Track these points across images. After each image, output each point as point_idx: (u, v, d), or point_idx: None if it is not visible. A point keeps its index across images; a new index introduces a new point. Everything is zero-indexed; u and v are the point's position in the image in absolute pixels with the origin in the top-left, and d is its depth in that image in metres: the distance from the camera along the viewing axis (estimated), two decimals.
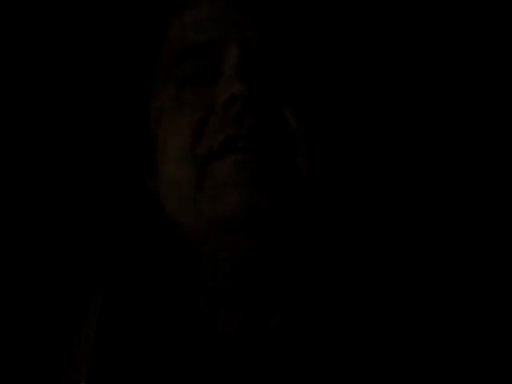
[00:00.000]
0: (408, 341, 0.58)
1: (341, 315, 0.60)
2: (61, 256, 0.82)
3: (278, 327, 0.60)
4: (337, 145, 0.66)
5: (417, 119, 0.79)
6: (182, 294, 0.64)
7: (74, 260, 0.82)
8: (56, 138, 0.83)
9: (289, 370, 0.58)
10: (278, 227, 0.58)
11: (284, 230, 0.58)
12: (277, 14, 0.60)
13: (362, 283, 0.62)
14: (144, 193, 0.68)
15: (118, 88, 0.78)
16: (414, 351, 0.58)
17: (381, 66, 0.78)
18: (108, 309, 0.66)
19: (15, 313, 0.82)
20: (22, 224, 0.82)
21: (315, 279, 0.62)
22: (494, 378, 0.58)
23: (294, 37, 0.61)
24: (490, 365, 0.58)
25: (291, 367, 0.58)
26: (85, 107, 0.82)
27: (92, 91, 0.82)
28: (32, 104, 0.83)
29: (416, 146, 0.79)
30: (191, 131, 0.58)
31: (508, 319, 0.60)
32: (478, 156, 0.78)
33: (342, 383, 0.57)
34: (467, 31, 0.80)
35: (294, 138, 0.58)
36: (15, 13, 0.82)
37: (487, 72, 0.79)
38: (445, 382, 0.57)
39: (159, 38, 0.64)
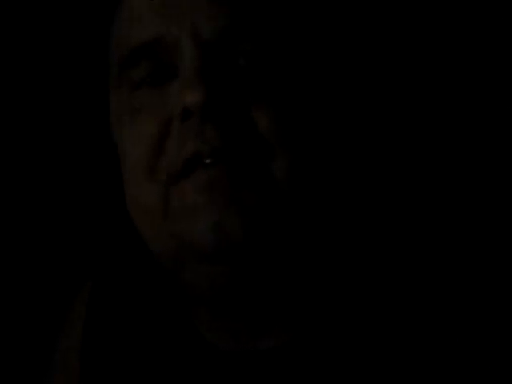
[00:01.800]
0: (420, 352, 0.55)
1: (348, 336, 0.56)
2: (48, 250, 0.82)
3: (278, 348, 0.55)
4: (321, 145, 0.57)
5: (408, 116, 0.77)
6: (171, 300, 0.61)
7: (63, 257, 0.81)
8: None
9: None
10: (255, 253, 0.51)
11: (263, 254, 0.52)
12: (238, 4, 0.52)
13: (359, 293, 0.57)
14: None
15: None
16: (427, 363, 0.55)
17: (367, 55, 0.75)
18: (95, 311, 0.63)
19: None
20: (11, 218, 0.81)
21: (307, 294, 0.57)
22: (495, 378, 0.56)
23: (260, 20, 0.52)
24: (493, 366, 0.57)
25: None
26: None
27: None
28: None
29: (408, 144, 0.77)
30: (149, 147, 0.52)
31: (508, 319, 0.60)
32: (478, 156, 0.77)
33: None
34: (467, 31, 0.79)
35: (266, 144, 0.50)
36: None
37: (487, 72, 0.79)
38: None
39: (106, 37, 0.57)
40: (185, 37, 0.51)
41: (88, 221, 0.82)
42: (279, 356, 0.55)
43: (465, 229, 0.69)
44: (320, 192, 0.56)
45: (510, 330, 0.58)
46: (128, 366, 0.59)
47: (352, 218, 0.62)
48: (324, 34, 0.60)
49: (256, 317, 0.55)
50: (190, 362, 0.57)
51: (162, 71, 0.52)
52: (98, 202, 0.81)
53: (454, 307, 0.58)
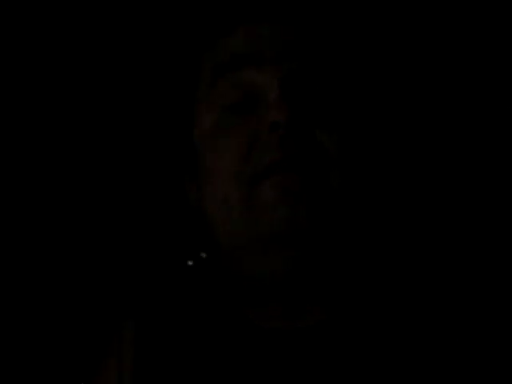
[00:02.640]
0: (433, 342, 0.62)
1: (377, 316, 0.64)
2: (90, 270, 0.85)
3: (315, 326, 0.64)
4: (368, 159, 0.70)
5: (435, 127, 0.81)
6: (218, 295, 0.69)
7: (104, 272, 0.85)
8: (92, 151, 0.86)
9: (323, 368, 0.62)
10: (315, 242, 0.62)
11: (321, 243, 0.63)
12: (311, 40, 0.65)
13: (397, 284, 0.66)
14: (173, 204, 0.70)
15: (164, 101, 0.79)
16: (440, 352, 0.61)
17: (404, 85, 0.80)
18: (143, 324, 0.69)
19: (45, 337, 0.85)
20: (53, 245, 0.86)
21: (353, 282, 0.66)
22: (497, 378, 0.60)
23: (327, 64, 0.65)
24: (490, 365, 0.60)
25: (326, 365, 0.62)
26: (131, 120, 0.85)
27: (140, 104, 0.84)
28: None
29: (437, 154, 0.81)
30: (238, 155, 0.63)
31: (508, 319, 0.62)
32: (484, 158, 0.79)
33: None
34: (469, 32, 0.81)
35: (328, 159, 0.62)
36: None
37: (489, 72, 0.80)
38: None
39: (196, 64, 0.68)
40: (272, 73, 0.64)
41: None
42: (314, 334, 0.63)
43: (471, 228, 0.71)
44: (361, 196, 0.68)
45: (509, 330, 0.61)
46: (180, 354, 0.67)
47: (375, 219, 0.73)
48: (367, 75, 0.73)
49: (303, 299, 0.64)
50: (235, 343, 0.65)
51: (245, 101, 0.65)
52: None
53: (458, 301, 0.64)
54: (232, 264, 0.65)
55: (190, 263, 0.81)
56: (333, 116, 0.64)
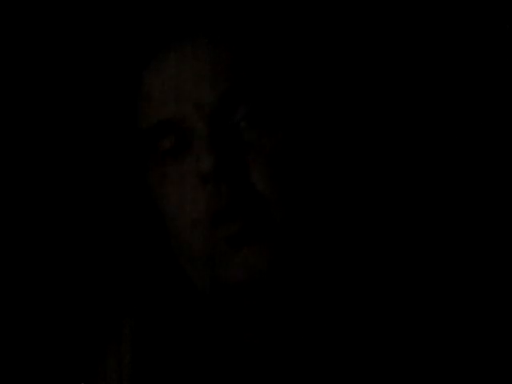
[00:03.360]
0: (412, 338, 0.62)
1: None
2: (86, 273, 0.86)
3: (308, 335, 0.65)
4: (309, 194, 0.67)
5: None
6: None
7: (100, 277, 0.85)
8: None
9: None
10: (278, 280, 0.63)
11: (284, 279, 0.64)
12: (230, 71, 0.61)
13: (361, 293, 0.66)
14: None
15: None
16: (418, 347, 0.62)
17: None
18: (140, 322, 0.71)
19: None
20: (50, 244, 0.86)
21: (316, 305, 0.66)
22: (494, 377, 0.60)
23: (254, 85, 0.62)
24: (490, 365, 0.60)
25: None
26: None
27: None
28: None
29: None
30: (181, 207, 0.62)
31: (508, 319, 0.62)
32: (478, 156, 0.79)
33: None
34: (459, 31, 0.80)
35: (264, 200, 0.61)
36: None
37: (487, 72, 0.80)
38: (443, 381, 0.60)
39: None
40: (192, 114, 0.61)
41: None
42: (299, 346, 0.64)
43: (464, 229, 0.71)
44: (314, 225, 0.66)
45: (509, 330, 0.61)
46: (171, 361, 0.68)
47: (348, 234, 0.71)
48: (313, 92, 0.68)
49: (283, 319, 0.65)
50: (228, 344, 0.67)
51: (180, 144, 0.62)
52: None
53: (452, 305, 0.63)
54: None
55: None
56: (268, 151, 0.61)
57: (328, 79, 0.70)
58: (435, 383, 0.60)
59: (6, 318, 0.85)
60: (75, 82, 0.82)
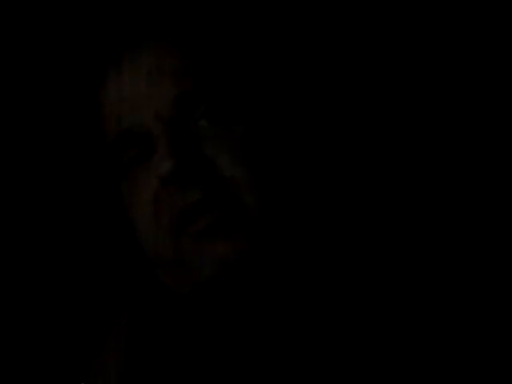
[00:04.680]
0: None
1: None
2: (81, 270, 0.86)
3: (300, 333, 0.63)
4: (288, 172, 0.67)
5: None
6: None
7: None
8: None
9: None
10: (255, 269, 0.62)
11: (262, 267, 0.63)
12: (186, 73, 0.62)
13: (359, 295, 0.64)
14: None
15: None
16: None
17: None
18: (135, 321, 0.71)
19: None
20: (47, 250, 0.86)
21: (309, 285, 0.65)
22: (493, 377, 0.59)
23: (208, 83, 0.62)
24: (489, 365, 0.60)
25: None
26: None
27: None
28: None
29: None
30: (149, 214, 0.62)
31: (508, 319, 0.61)
32: (478, 156, 0.78)
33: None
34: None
35: (234, 188, 0.61)
36: None
37: (487, 72, 0.79)
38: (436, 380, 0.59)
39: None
40: (151, 120, 0.61)
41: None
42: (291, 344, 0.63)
43: (464, 228, 0.71)
44: (291, 209, 0.66)
45: (509, 330, 0.60)
46: (167, 362, 0.68)
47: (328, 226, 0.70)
48: (270, 83, 0.69)
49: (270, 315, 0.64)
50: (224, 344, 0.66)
51: (143, 152, 0.62)
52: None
53: (452, 305, 0.63)
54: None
55: None
56: (231, 137, 0.62)
57: (281, 70, 0.70)
58: (435, 383, 0.59)
59: (6, 317, 0.85)
60: (37, 105, 0.82)
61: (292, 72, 0.72)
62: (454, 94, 0.80)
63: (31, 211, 0.85)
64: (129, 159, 0.63)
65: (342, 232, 0.69)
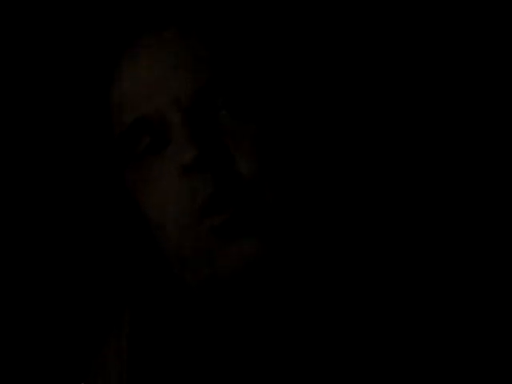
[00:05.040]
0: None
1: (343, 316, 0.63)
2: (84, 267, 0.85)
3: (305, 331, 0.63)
4: (295, 178, 0.65)
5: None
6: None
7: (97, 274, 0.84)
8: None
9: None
10: (275, 266, 0.61)
11: (282, 265, 0.62)
12: (206, 63, 0.60)
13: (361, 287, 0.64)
14: None
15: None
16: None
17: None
18: (137, 321, 0.70)
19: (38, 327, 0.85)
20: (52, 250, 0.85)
21: (326, 286, 0.65)
22: (493, 377, 0.60)
23: (230, 74, 0.61)
24: (489, 365, 0.60)
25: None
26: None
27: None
28: None
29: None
30: (165, 204, 0.60)
31: (508, 319, 0.61)
32: (478, 156, 0.78)
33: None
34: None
35: (253, 183, 0.59)
36: None
37: (486, 72, 0.80)
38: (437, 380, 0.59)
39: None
40: (169, 108, 0.59)
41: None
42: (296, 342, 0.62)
43: (463, 228, 0.71)
44: (304, 212, 0.64)
45: (509, 330, 0.61)
46: (169, 361, 0.67)
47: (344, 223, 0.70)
48: (286, 79, 0.67)
49: (280, 314, 0.64)
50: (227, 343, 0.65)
51: (158, 141, 0.61)
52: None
53: (452, 305, 0.63)
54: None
55: None
56: (250, 136, 0.60)
57: (302, 66, 0.70)
58: (435, 382, 0.59)
59: (6, 318, 0.85)
60: (47, 95, 0.81)
61: (310, 67, 0.72)
62: (454, 93, 0.80)
63: (32, 207, 0.85)
64: (143, 148, 0.61)
65: (357, 230, 0.69)
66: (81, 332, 0.83)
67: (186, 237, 0.60)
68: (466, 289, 0.64)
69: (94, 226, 0.82)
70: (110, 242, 0.80)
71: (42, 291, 0.86)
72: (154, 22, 0.62)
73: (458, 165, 0.78)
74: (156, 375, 0.66)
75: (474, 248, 0.69)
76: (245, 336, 0.64)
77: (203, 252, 0.59)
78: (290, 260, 0.62)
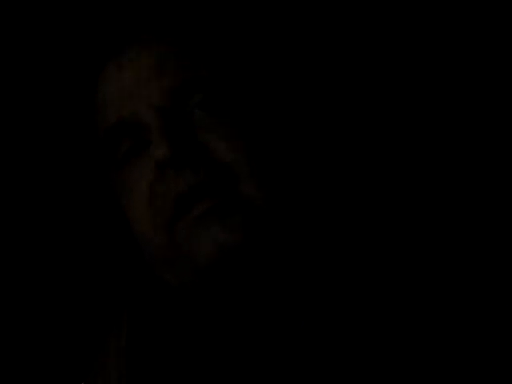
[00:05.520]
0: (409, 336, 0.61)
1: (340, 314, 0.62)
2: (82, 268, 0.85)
3: (299, 331, 0.63)
4: (286, 159, 0.67)
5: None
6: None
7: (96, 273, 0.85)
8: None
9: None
10: (253, 256, 0.61)
11: (260, 256, 0.62)
12: (182, 64, 0.62)
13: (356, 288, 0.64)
14: None
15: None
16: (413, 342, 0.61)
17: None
18: (136, 321, 0.70)
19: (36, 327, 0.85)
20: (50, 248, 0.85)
21: (312, 282, 0.65)
22: (493, 377, 0.59)
23: (202, 74, 0.62)
24: (489, 365, 0.60)
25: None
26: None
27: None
28: None
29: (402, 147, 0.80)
30: (145, 205, 0.62)
31: (508, 319, 0.62)
32: (478, 156, 0.78)
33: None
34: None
35: (232, 173, 0.60)
36: None
37: (486, 72, 0.80)
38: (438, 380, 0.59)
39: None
40: (144, 111, 0.62)
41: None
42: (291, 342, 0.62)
43: (464, 228, 0.71)
44: (290, 199, 0.65)
45: (509, 330, 0.61)
46: (168, 361, 0.67)
47: (326, 219, 0.70)
48: (262, 72, 0.69)
49: (268, 311, 0.63)
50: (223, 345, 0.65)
51: (139, 144, 0.63)
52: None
53: (451, 305, 0.62)
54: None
55: None
56: (225, 128, 0.62)
57: (277, 61, 0.71)
58: (435, 382, 0.59)
59: (6, 317, 0.86)
60: (34, 97, 0.81)
61: (287, 62, 0.73)
62: (455, 93, 0.80)
63: (26, 209, 0.85)
64: (124, 151, 0.63)
65: (340, 223, 0.69)
66: (81, 332, 0.83)
67: (161, 236, 0.61)
68: (466, 288, 0.64)
69: (94, 228, 0.82)
70: (108, 244, 0.81)
71: (40, 293, 0.86)
72: (136, 26, 0.64)
73: (459, 163, 0.78)
74: (155, 374, 0.66)
75: (475, 247, 0.69)
76: (235, 330, 0.64)
77: (175, 247, 0.61)
78: (268, 249, 0.62)
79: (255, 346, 0.63)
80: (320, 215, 0.69)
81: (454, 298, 0.63)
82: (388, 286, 0.63)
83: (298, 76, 0.74)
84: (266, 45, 0.70)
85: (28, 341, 0.85)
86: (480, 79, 0.80)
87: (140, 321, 0.70)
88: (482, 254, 0.68)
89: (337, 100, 0.78)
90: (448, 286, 0.64)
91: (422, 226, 0.72)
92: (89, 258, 0.85)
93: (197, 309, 0.67)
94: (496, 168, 0.78)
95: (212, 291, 0.63)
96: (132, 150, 0.63)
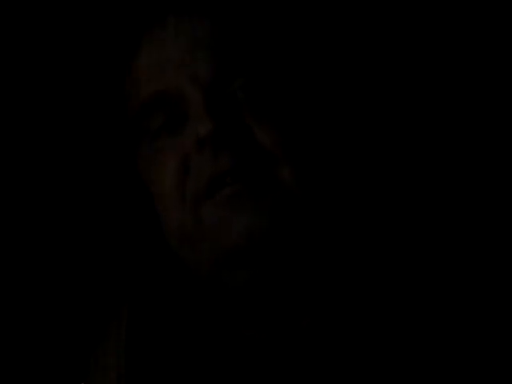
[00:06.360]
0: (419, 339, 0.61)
1: (363, 316, 0.62)
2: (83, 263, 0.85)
3: (306, 328, 0.62)
4: (325, 150, 0.66)
5: (405, 117, 0.81)
6: (205, 303, 0.68)
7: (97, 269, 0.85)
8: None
9: (310, 371, 0.61)
10: (281, 245, 0.60)
11: (287, 246, 0.61)
12: (226, 44, 0.61)
13: (383, 281, 0.64)
14: None
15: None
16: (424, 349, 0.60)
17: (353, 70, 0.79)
18: (136, 319, 0.70)
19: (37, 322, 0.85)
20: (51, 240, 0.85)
21: (318, 286, 0.64)
22: (494, 377, 0.59)
23: (248, 57, 0.61)
24: (490, 365, 0.60)
25: (313, 367, 0.61)
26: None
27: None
28: None
29: (413, 145, 0.80)
30: (176, 180, 0.60)
31: (508, 319, 0.61)
32: (478, 156, 0.79)
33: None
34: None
35: (270, 157, 0.60)
36: None
37: (486, 72, 0.80)
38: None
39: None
40: (187, 85, 0.60)
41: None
42: (299, 339, 0.62)
43: (464, 229, 0.71)
44: (324, 191, 0.65)
45: (509, 330, 0.61)
46: (168, 360, 0.67)
47: (354, 216, 0.70)
48: (306, 57, 0.68)
49: (280, 305, 0.63)
50: (222, 349, 0.65)
51: (174, 119, 0.61)
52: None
53: (452, 305, 0.62)
54: (208, 283, 0.64)
55: None
56: (269, 112, 0.61)
57: (319, 48, 0.70)
58: (434, 382, 0.59)
59: (5, 317, 0.85)
60: (68, 73, 0.82)
61: (327, 50, 0.72)
62: (455, 93, 0.80)
63: (33, 198, 0.85)
64: (158, 125, 0.62)
65: (366, 219, 0.69)
66: (80, 332, 0.83)
67: (188, 212, 0.60)
68: (469, 289, 0.63)
69: (94, 220, 0.82)
70: (109, 240, 0.81)
71: (40, 292, 0.86)
72: (177, 4, 0.62)
73: (471, 164, 0.78)
74: (155, 370, 0.66)
75: (483, 250, 0.69)
76: (244, 326, 0.64)
77: (202, 229, 0.60)
78: (295, 238, 0.61)
79: (267, 342, 0.63)
80: (348, 209, 0.69)
81: (459, 299, 0.63)
82: (408, 284, 0.63)
83: (339, 64, 0.74)
84: (306, 35, 0.69)
85: (27, 341, 0.85)
86: (480, 79, 0.80)
87: (140, 320, 0.69)
88: (488, 255, 0.68)
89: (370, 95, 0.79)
90: (453, 286, 0.63)
91: (435, 227, 0.72)
92: (89, 258, 0.85)
93: (205, 298, 0.66)
94: (496, 168, 0.78)
95: (229, 275, 0.61)
96: (167, 125, 0.61)
